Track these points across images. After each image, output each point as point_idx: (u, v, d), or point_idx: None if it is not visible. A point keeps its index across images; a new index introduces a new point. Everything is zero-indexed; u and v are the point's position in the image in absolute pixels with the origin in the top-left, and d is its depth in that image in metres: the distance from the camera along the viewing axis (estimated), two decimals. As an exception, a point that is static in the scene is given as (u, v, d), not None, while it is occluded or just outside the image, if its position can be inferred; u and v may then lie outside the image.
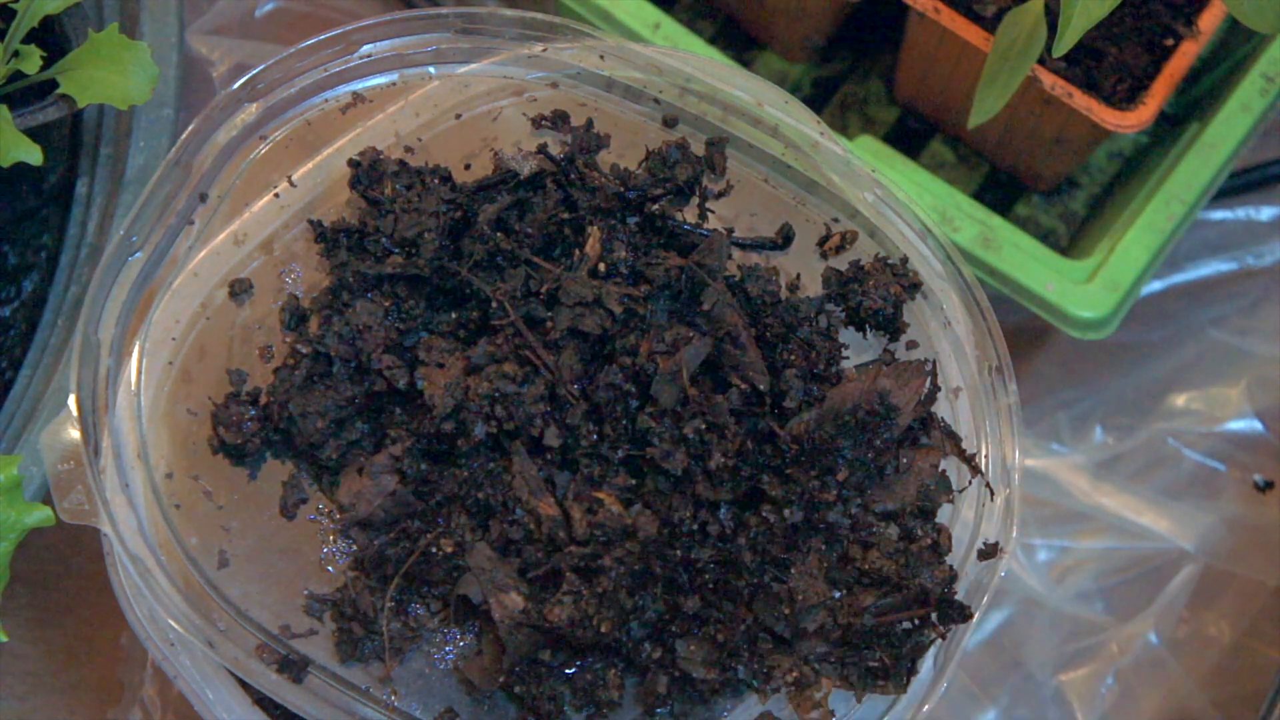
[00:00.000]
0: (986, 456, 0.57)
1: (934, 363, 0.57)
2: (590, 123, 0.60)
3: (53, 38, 0.68)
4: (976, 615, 0.54)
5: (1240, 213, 0.87)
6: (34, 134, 0.59)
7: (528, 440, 0.53)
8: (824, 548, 0.53)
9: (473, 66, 0.61)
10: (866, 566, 0.53)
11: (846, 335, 0.58)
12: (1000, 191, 0.82)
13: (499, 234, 0.56)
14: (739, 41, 0.85)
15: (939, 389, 0.57)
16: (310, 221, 0.57)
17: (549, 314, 0.54)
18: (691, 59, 0.61)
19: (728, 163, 0.60)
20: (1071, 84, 0.70)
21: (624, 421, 0.53)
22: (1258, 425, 0.84)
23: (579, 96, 0.61)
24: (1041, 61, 0.68)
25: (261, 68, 0.58)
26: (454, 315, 0.55)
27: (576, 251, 0.56)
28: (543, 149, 0.59)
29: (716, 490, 0.52)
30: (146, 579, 0.51)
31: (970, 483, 0.57)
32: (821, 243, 0.60)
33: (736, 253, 0.59)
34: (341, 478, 0.54)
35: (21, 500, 0.53)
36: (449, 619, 0.53)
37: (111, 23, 0.62)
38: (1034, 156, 0.78)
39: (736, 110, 0.61)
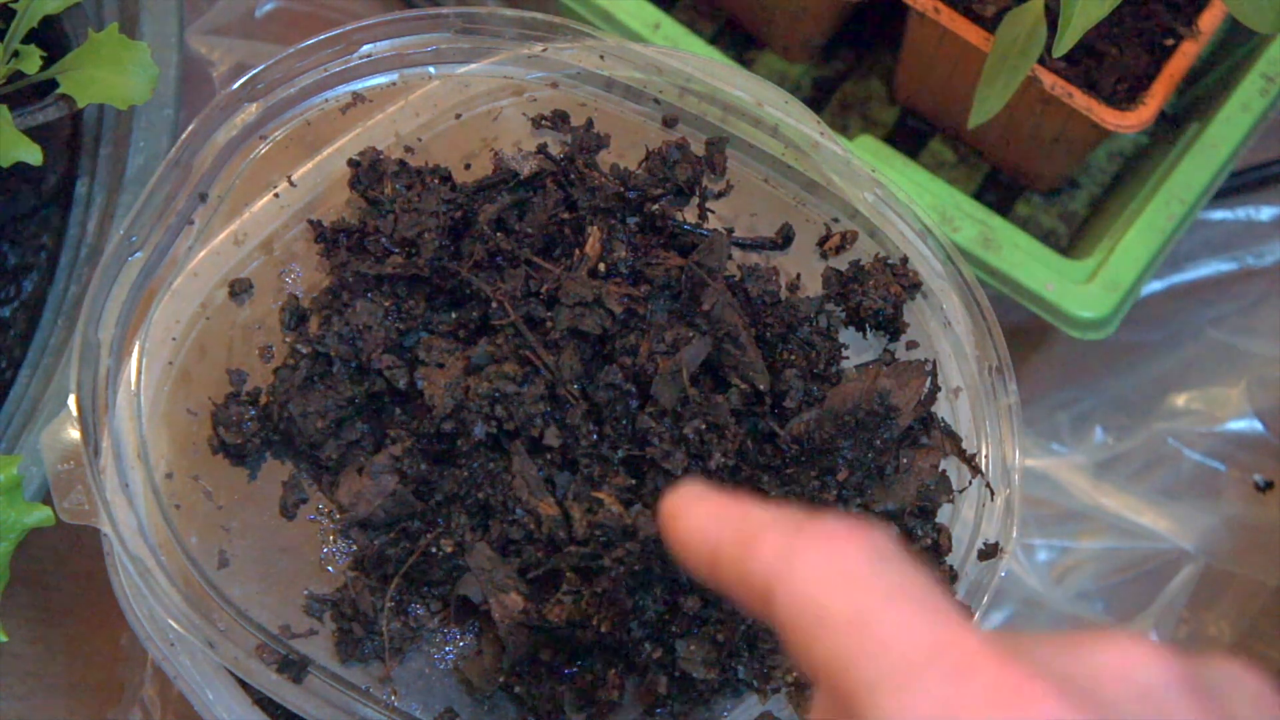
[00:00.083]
0: (986, 456, 0.57)
1: (934, 363, 0.57)
2: (590, 123, 0.60)
3: (53, 38, 0.68)
4: (977, 615, 0.54)
5: (1240, 213, 0.87)
6: (34, 134, 0.59)
7: (528, 440, 0.53)
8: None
9: (473, 66, 0.61)
10: (866, 566, 0.53)
11: (846, 335, 0.58)
12: (1000, 191, 0.82)
13: (499, 234, 0.56)
14: (739, 41, 0.85)
15: (939, 389, 0.57)
16: (310, 221, 0.57)
17: (549, 314, 0.54)
18: (691, 59, 0.61)
19: (728, 163, 0.60)
20: (1071, 84, 0.70)
21: (624, 421, 0.53)
22: (1258, 425, 0.84)
23: (579, 96, 0.61)
24: (1041, 61, 0.68)
25: (261, 68, 0.58)
26: (454, 315, 0.55)
27: (576, 251, 0.56)
28: (543, 149, 0.59)
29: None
30: (146, 579, 0.51)
31: (970, 483, 0.57)
32: (821, 243, 0.60)
33: (736, 253, 0.59)
34: (341, 478, 0.54)
35: (21, 500, 0.53)
36: (449, 619, 0.53)
37: (111, 23, 0.62)
38: (1034, 156, 0.78)
39: (736, 110, 0.61)
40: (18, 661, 0.73)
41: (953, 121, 0.80)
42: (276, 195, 0.58)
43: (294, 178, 0.58)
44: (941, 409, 0.57)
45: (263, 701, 0.52)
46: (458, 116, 0.60)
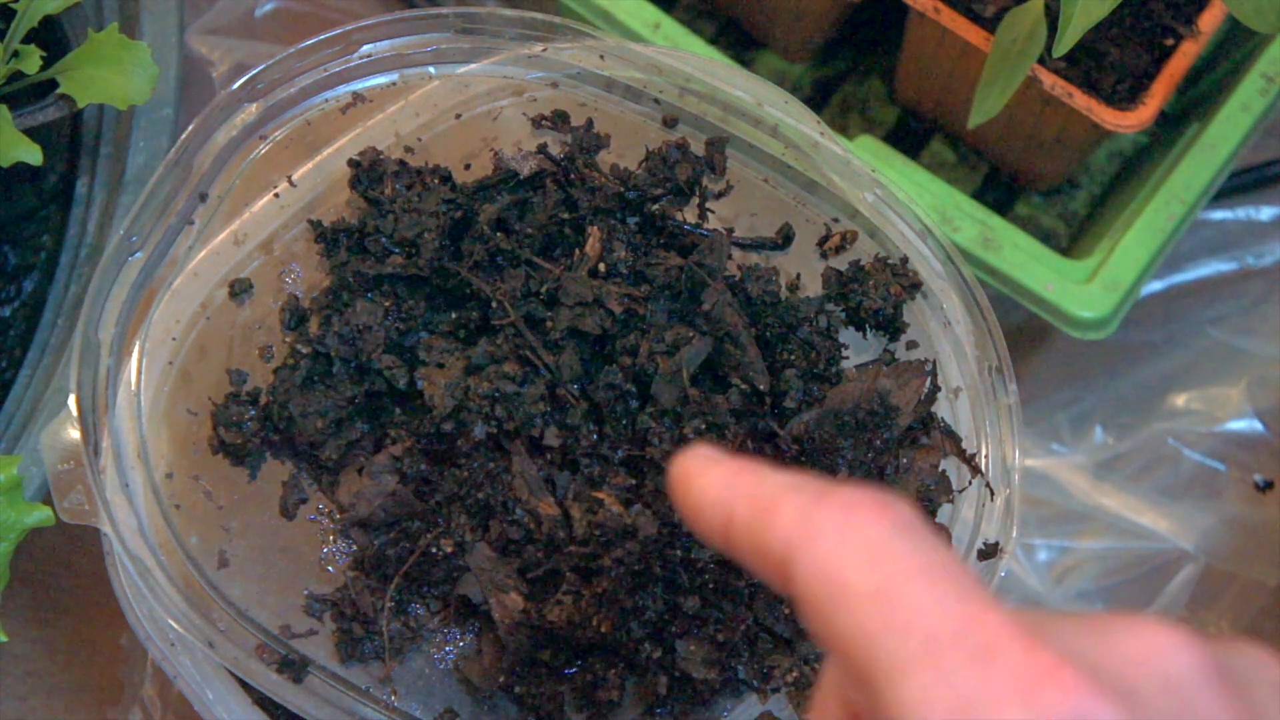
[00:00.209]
0: (986, 456, 0.57)
1: (934, 363, 0.57)
2: (590, 123, 0.60)
3: (53, 38, 0.68)
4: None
5: (1240, 213, 0.87)
6: (34, 134, 0.59)
7: (528, 440, 0.53)
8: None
9: (473, 66, 0.61)
10: (866, 566, 0.53)
11: (846, 335, 0.58)
12: (1000, 191, 0.82)
13: (499, 234, 0.56)
14: (739, 41, 0.85)
15: (939, 389, 0.57)
16: (310, 221, 0.57)
17: (549, 314, 0.54)
18: (691, 59, 0.61)
19: (728, 163, 0.60)
20: (1071, 84, 0.70)
21: (624, 421, 0.53)
22: (1258, 425, 0.84)
23: (579, 96, 0.61)
24: (1041, 61, 0.68)
25: (261, 68, 0.58)
26: (454, 315, 0.55)
27: (576, 251, 0.56)
28: (543, 149, 0.59)
29: (716, 490, 0.52)
30: (146, 579, 0.51)
31: (970, 483, 0.57)
32: (821, 243, 0.60)
33: (736, 253, 0.59)
34: (341, 478, 0.54)
35: (21, 500, 0.53)
36: (449, 619, 0.53)
37: (111, 23, 0.62)
38: (1034, 156, 0.78)
39: (736, 110, 0.61)
40: (18, 661, 0.73)
41: (953, 121, 0.80)
42: (276, 195, 0.58)
43: (294, 178, 0.58)
44: (941, 409, 0.57)
45: (263, 701, 0.52)
46: (458, 116, 0.60)
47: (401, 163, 0.57)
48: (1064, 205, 0.82)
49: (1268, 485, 0.83)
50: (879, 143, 0.75)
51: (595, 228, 0.56)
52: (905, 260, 0.59)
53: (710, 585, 0.52)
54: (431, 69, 0.61)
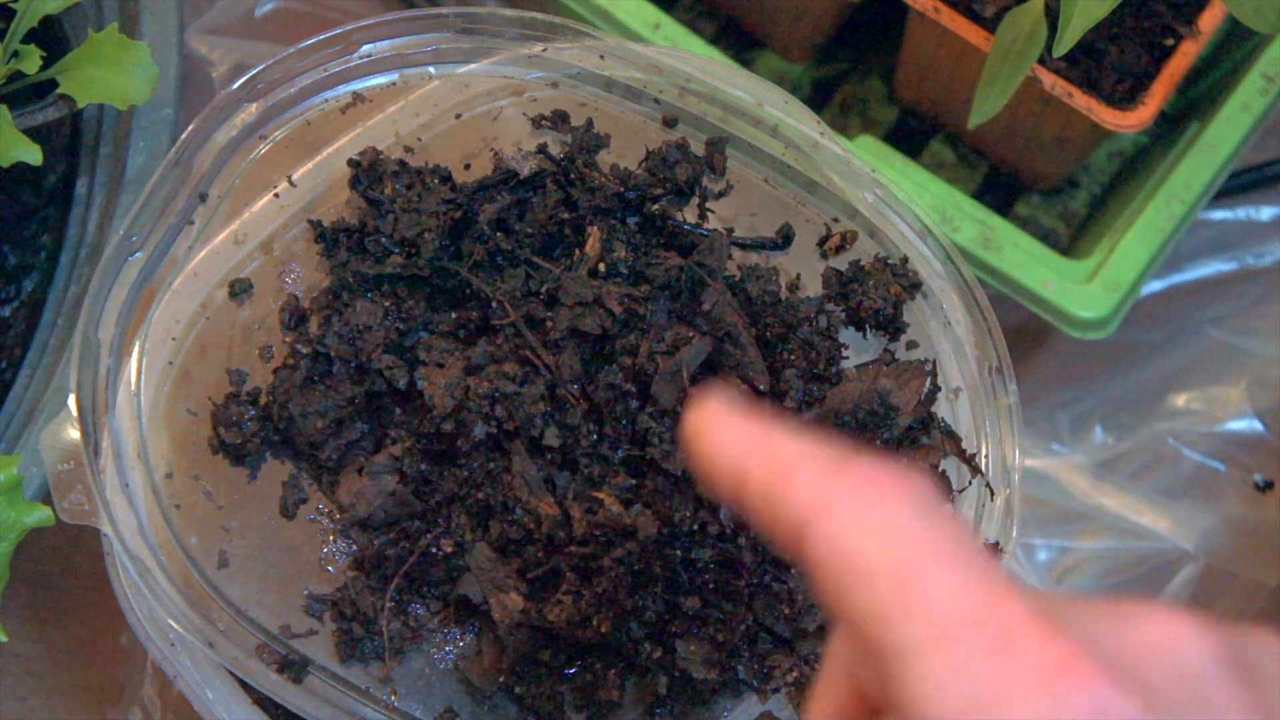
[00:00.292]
0: (986, 456, 0.57)
1: (934, 363, 0.57)
2: (590, 123, 0.60)
3: (53, 38, 0.68)
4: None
5: (1240, 213, 0.87)
6: (34, 134, 0.59)
7: (528, 440, 0.53)
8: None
9: (473, 66, 0.61)
10: (866, 566, 0.53)
11: (846, 335, 0.58)
12: (1000, 191, 0.82)
13: (499, 234, 0.56)
14: (739, 41, 0.85)
15: (939, 389, 0.57)
16: (310, 221, 0.57)
17: (549, 314, 0.54)
18: (691, 59, 0.61)
19: (728, 163, 0.60)
20: (1071, 84, 0.70)
21: (624, 421, 0.53)
22: (1258, 425, 0.84)
23: (579, 96, 0.61)
24: (1041, 61, 0.68)
25: (261, 68, 0.58)
26: (454, 315, 0.55)
27: (576, 251, 0.56)
28: (543, 149, 0.59)
29: (716, 490, 0.52)
30: (146, 579, 0.51)
31: (970, 483, 0.57)
32: (821, 243, 0.60)
33: (736, 253, 0.59)
34: (341, 478, 0.54)
35: (21, 500, 0.53)
36: (449, 619, 0.53)
37: (111, 23, 0.62)
38: (1034, 156, 0.78)
39: (736, 110, 0.61)
40: (18, 661, 0.73)
41: (953, 121, 0.80)
42: (276, 195, 0.58)
43: (294, 178, 0.58)
44: (941, 409, 0.57)
45: (263, 701, 0.52)
46: (458, 116, 0.60)
47: (401, 163, 0.57)
48: (1064, 205, 0.82)
49: (1268, 485, 0.83)
50: (879, 143, 0.75)
51: (595, 228, 0.56)
52: (905, 260, 0.59)
53: (710, 585, 0.52)
54: (431, 69, 0.61)
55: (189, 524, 0.53)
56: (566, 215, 0.57)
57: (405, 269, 0.55)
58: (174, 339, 0.55)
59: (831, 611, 0.28)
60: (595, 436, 0.53)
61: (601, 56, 0.61)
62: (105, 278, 0.54)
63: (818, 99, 0.84)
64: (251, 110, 0.58)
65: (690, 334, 0.54)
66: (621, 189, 0.58)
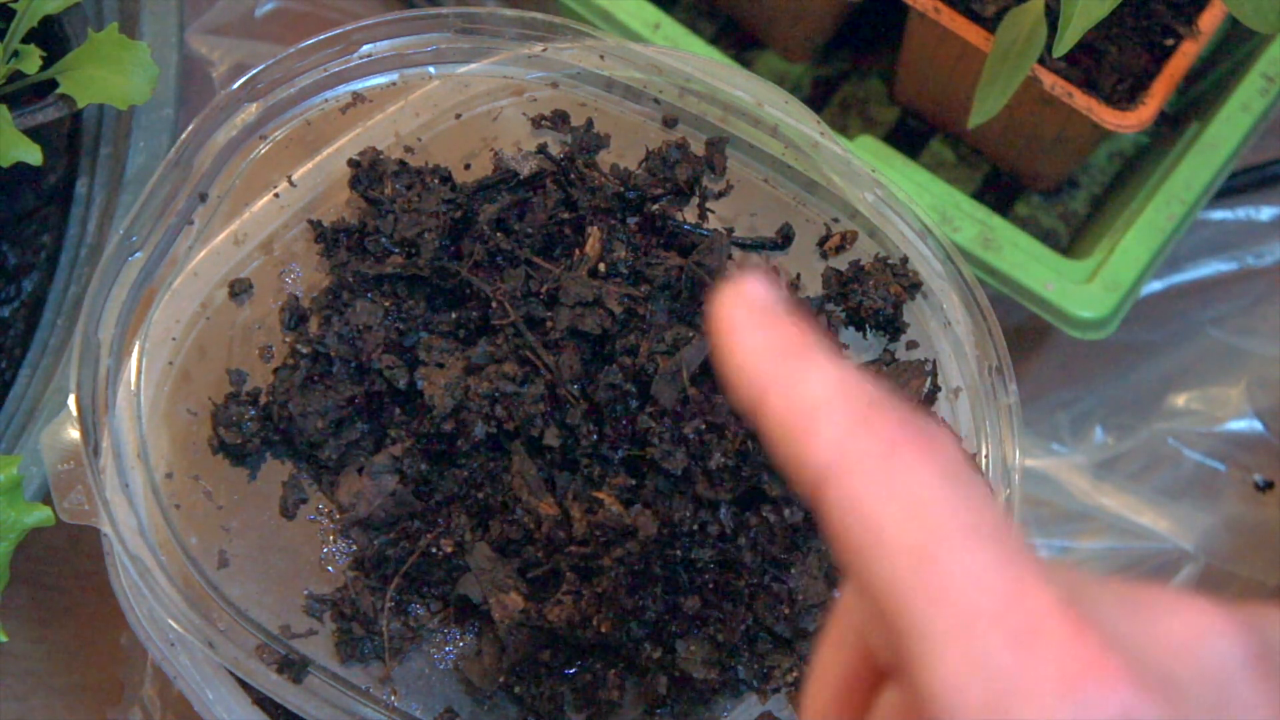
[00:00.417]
0: (986, 456, 0.57)
1: (934, 363, 0.57)
2: (590, 123, 0.60)
3: (53, 38, 0.68)
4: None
5: (1240, 213, 0.87)
6: (34, 134, 0.59)
7: (527, 440, 0.53)
8: (824, 548, 0.53)
9: (473, 66, 0.61)
10: (866, 566, 0.53)
11: (846, 335, 0.58)
12: (1000, 191, 0.82)
13: (499, 234, 0.56)
14: (739, 41, 0.85)
15: (939, 389, 0.57)
16: (310, 221, 0.57)
17: (549, 314, 0.54)
18: (691, 59, 0.61)
19: (728, 163, 0.60)
20: (1071, 84, 0.70)
21: (624, 421, 0.53)
22: (1258, 425, 0.84)
23: (579, 96, 0.61)
24: (1041, 61, 0.68)
25: (261, 68, 0.58)
26: (454, 315, 0.55)
27: (576, 251, 0.56)
28: (543, 149, 0.59)
29: (716, 490, 0.52)
30: (146, 579, 0.51)
31: (970, 483, 0.56)
32: (821, 243, 0.60)
33: (736, 253, 0.59)
34: (341, 478, 0.54)
35: (21, 500, 0.53)
36: (449, 619, 0.53)
37: (111, 23, 0.62)
38: (1034, 156, 0.78)
39: (736, 110, 0.61)
40: (18, 661, 0.73)
41: (953, 121, 0.80)
42: (276, 195, 0.58)
43: (294, 178, 0.58)
44: (941, 409, 0.57)
45: (263, 701, 0.52)
46: (458, 116, 0.60)
47: (401, 163, 0.57)
48: (1064, 205, 0.82)
49: (1268, 485, 0.83)
50: (879, 143, 0.75)
51: (595, 228, 0.56)
52: (905, 260, 0.59)
53: (710, 585, 0.52)
54: (431, 69, 0.61)
55: (189, 524, 0.53)
56: (566, 215, 0.57)
57: (405, 269, 0.55)
58: (174, 339, 0.55)
59: (846, 572, 0.27)
60: (595, 436, 0.53)
61: (601, 56, 0.61)
62: (105, 278, 0.54)
63: (818, 99, 0.84)
64: (251, 110, 0.58)
65: (690, 334, 0.54)
66: (621, 189, 0.58)
